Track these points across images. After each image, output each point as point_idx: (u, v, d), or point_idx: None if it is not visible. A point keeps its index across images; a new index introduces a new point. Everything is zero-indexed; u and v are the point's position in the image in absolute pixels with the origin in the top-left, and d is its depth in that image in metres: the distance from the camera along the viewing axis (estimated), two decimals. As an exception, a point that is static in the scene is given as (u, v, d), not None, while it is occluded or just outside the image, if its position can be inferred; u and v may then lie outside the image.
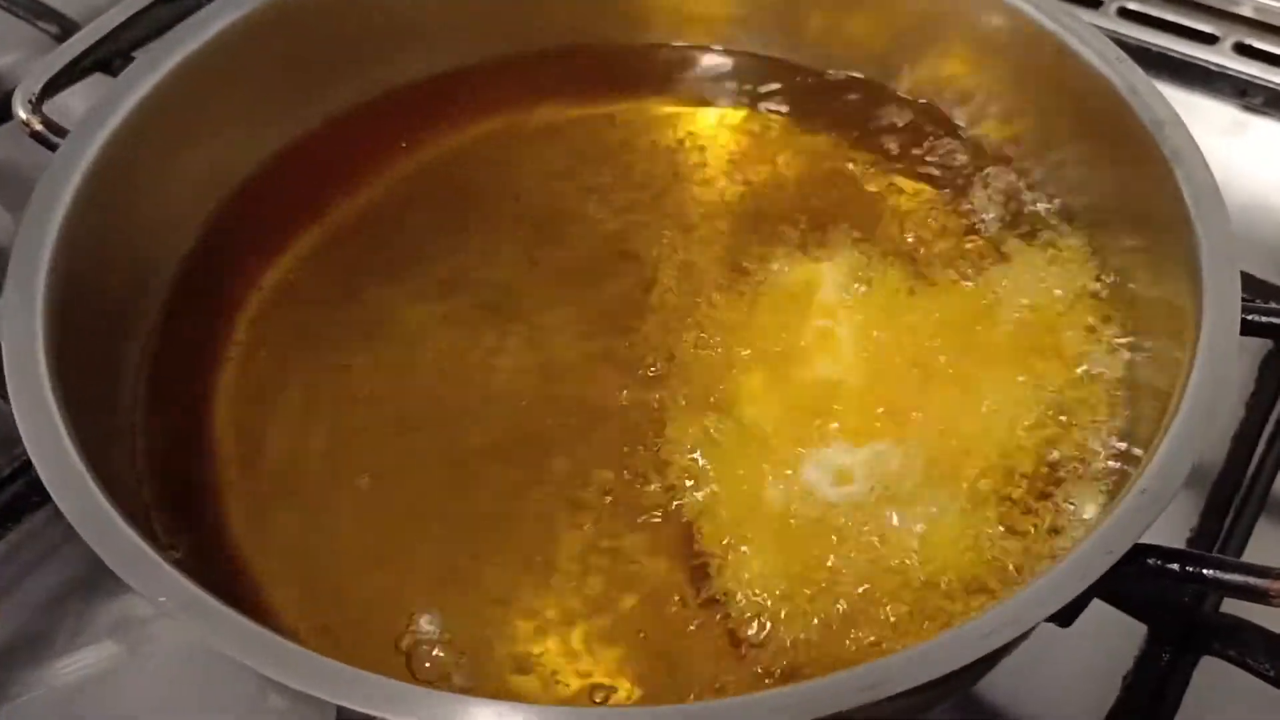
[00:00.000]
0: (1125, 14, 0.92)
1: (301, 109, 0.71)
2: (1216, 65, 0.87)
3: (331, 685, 0.41)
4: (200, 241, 0.65)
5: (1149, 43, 0.89)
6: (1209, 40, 0.90)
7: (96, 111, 0.59)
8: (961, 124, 0.72)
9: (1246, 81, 0.87)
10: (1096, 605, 0.53)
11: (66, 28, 0.86)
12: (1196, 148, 0.57)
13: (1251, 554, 0.63)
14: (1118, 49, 0.61)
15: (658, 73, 0.77)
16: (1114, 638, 0.60)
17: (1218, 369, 0.50)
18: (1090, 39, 0.62)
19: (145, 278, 0.62)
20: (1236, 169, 0.84)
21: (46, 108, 0.63)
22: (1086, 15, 0.90)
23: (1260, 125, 0.86)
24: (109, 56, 0.69)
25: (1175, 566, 0.48)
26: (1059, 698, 0.60)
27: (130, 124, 0.60)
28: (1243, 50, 0.88)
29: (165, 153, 0.62)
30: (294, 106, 0.70)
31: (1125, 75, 0.60)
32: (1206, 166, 0.56)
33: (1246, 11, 0.90)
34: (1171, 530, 0.64)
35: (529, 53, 0.76)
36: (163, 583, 0.44)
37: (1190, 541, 0.65)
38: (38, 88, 0.61)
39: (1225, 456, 0.68)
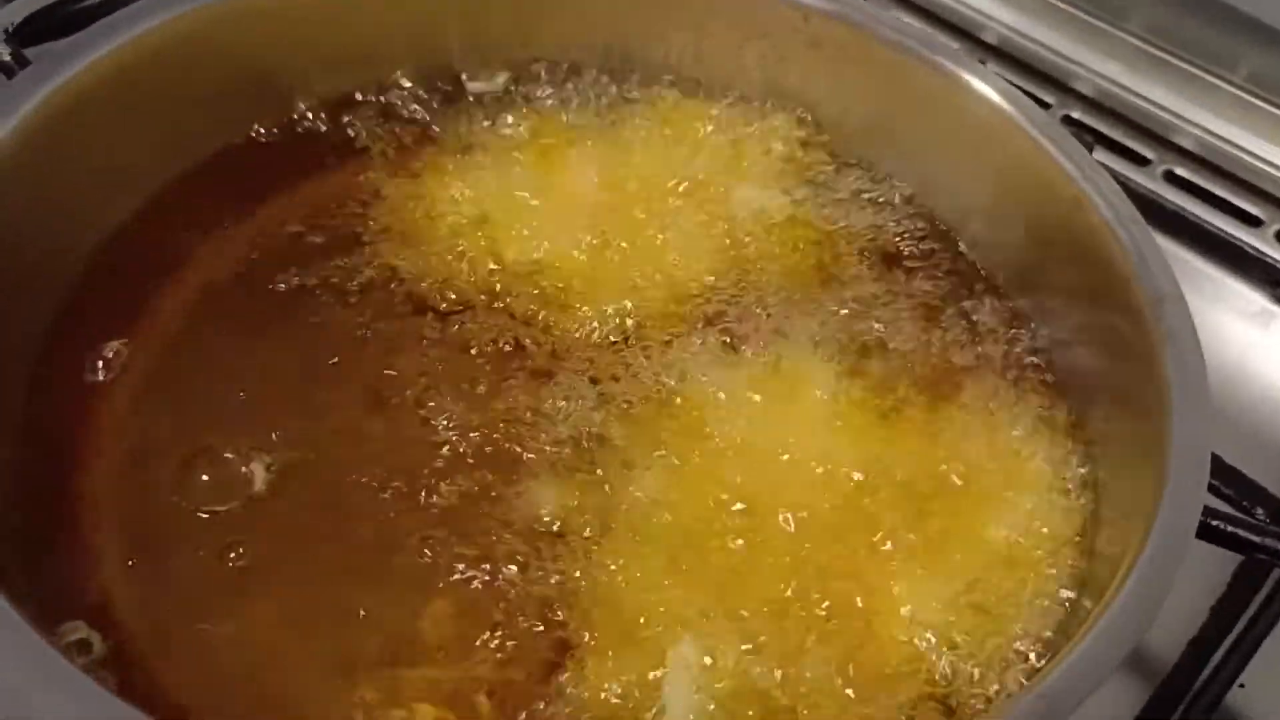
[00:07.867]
0: (1171, 178, 0.89)
1: (220, 123, 0.66)
2: (1254, 249, 0.84)
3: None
4: (87, 270, 0.60)
5: (1190, 211, 0.86)
6: (1253, 222, 0.87)
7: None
8: (956, 250, 0.69)
9: (1283, 273, 0.83)
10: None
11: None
12: (1194, 331, 0.53)
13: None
14: (1134, 209, 0.58)
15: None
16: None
17: (1163, 566, 0.46)
18: (1109, 194, 0.58)
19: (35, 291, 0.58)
20: (1257, 360, 0.81)
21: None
22: (1130, 172, 0.88)
23: (1288, 321, 0.82)
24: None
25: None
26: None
27: (39, 116, 0.55)
28: (1286, 241, 0.85)
29: (67, 156, 0.58)
30: (214, 120, 0.66)
31: (1136, 239, 0.56)
32: (1199, 353, 0.53)
33: (1296, 202, 0.87)
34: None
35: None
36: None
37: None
38: (18, 19, 0.59)
39: (1179, 656, 0.64)
